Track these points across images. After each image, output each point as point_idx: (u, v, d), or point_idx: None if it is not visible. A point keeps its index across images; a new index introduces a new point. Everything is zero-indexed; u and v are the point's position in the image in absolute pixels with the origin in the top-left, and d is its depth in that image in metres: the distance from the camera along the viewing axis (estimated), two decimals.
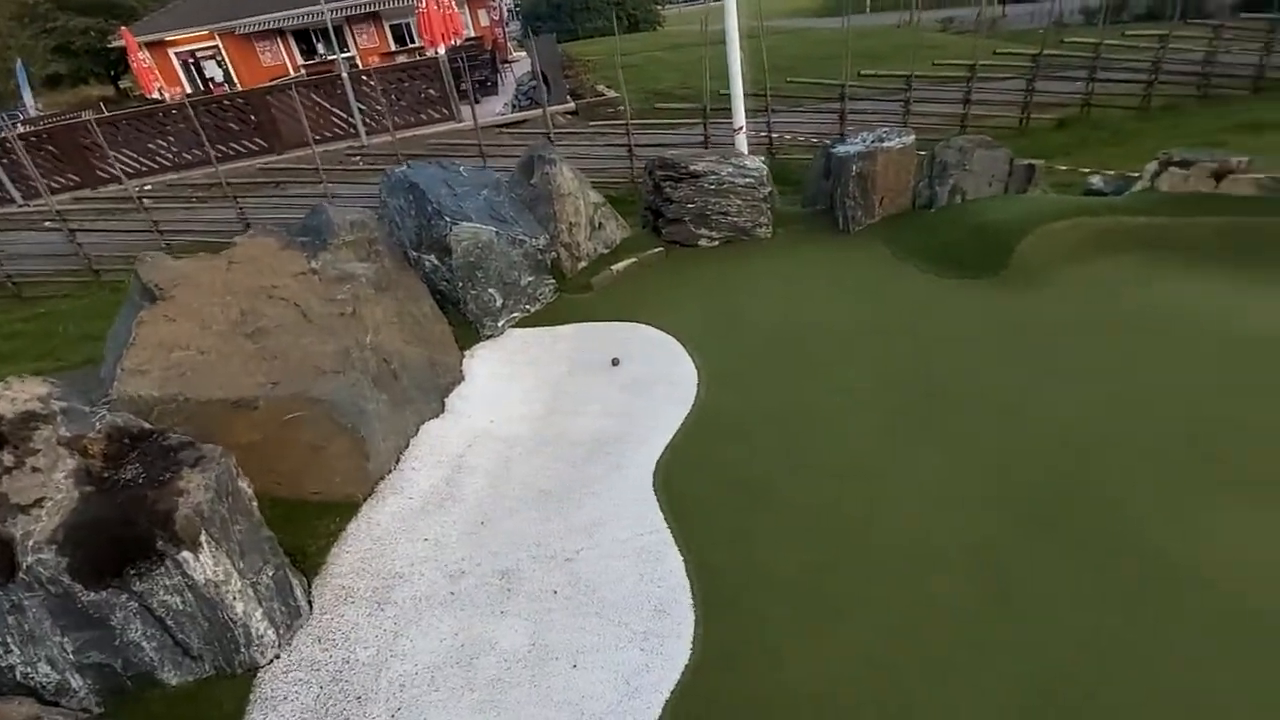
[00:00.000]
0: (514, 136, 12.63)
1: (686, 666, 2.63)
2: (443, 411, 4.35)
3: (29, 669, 2.58)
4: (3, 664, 2.55)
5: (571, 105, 17.14)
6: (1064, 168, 8.71)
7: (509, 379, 4.92)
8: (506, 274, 5.27)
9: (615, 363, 4.58)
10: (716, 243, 6.45)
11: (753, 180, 6.30)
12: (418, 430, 4.11)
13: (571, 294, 5.88)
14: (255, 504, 2.93)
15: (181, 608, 2.64)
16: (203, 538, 2.60)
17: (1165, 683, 2.28)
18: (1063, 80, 13.27)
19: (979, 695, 2.34)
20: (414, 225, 4.81)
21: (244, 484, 2.88)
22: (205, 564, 2.62)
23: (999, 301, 4.75)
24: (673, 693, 2.54)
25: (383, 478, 3.79)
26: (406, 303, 4.18)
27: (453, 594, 3.21)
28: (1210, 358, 3.88)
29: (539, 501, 3.72)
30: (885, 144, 6.08)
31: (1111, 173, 7.20)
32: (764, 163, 6.52)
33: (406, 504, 3.72)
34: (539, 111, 12.35)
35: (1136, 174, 6.37)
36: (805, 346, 4.62)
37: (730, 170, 6.30)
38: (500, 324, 5.33)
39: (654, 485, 3.61)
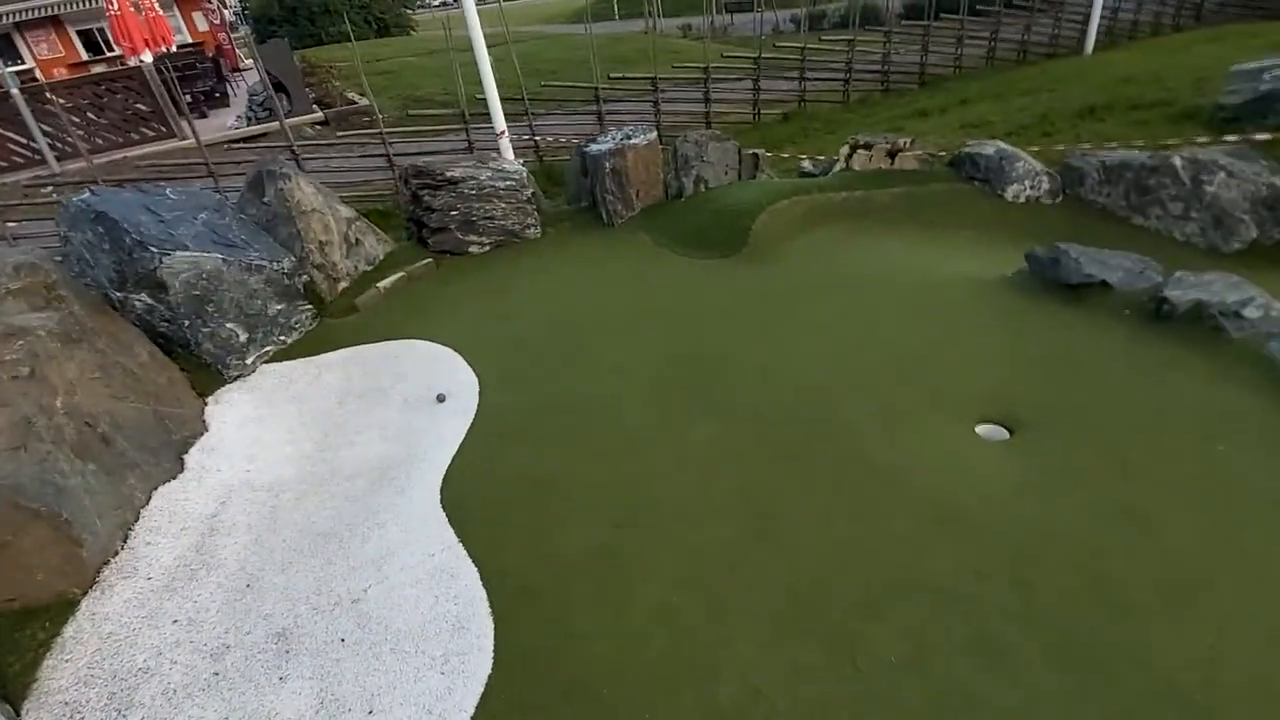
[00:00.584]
0: (253, 152, 11.28)
1: (489, 677, 2.57)
2: (181, 471, 3.75)
3: None
4: None
5: (320, 115, 15.75)
6: (787, 155, 9.95)
7: (268, 420, 4.40)
8: (247, 305, 4.69)
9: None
10: (487, 247, 6.36)
11: (514, 183, 6.30)
12: (149, 498, 3.50)
13: (334, 318, 5.42)
14: None
15: None
16: None
17: (887, 571, 2.72)
18: (783, 80, 15.16)
19: (750, 617, 2.61)
20: (110, 262, 4.06)
21: None
22: None
23: (743, 275, 5.30)
24: (477, 707, 2.47)
25: (107, 562, 3.16)
26: (112, 353, 3.52)
27: (217, 674, 2.79)
28: (905, 302, 4.68)
29: (316, 546, 3.38)
30: (632, 141, 6.44)
31: (821, 157, 8.38)
32: (522, 165, 6.55)
33: (144, 586, 3.15)
34: (278, 124, 11.15)
35: (836, 158, 7.48)
36: (580, 337, 4.75)
37: (489, 174, 6.24)
38: (249, 361, 4.74)
39: (441, 502, 3.46)
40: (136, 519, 3.40)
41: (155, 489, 3.55)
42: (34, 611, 2.88)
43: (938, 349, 4.16)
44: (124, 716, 2.64)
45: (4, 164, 12.30)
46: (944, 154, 6.95)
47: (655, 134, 6.56)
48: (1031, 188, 6.34)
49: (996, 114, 11.87)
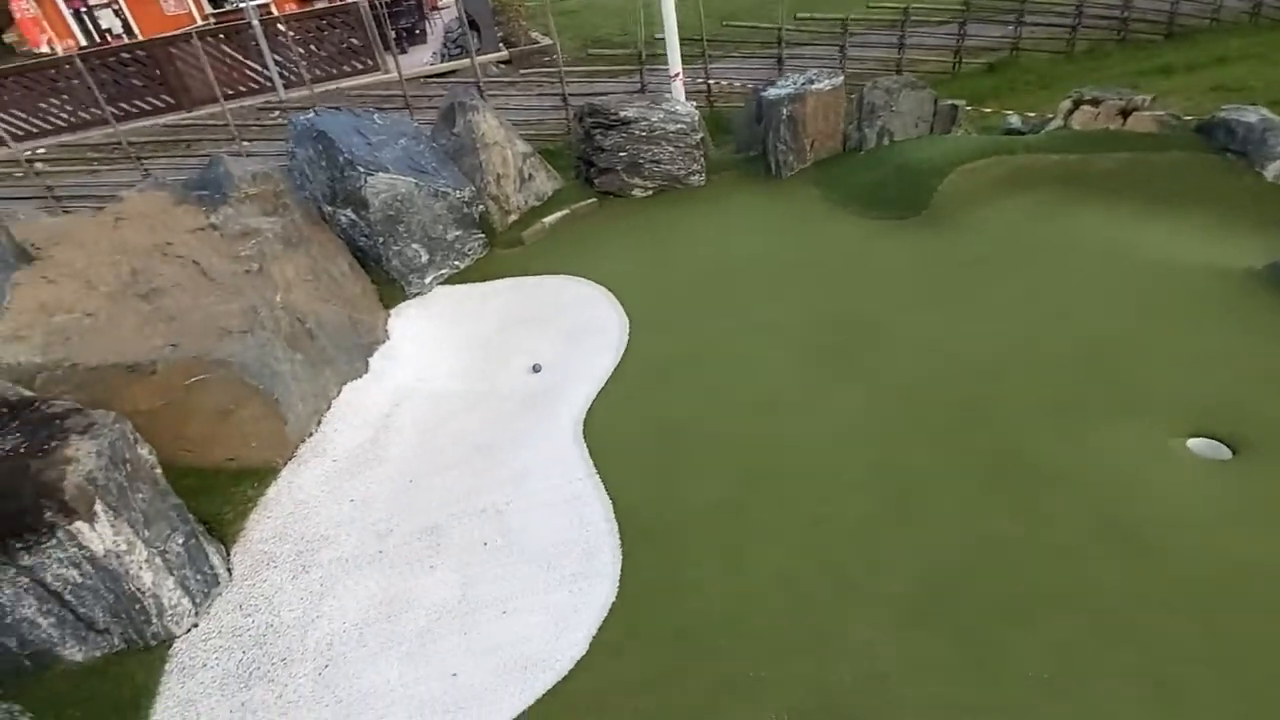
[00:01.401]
0: (443, 88, 12.08)
1: (613, 604, 2.69)
2: (366, 371, 4.22)
3: None
4: None
5: (504, 54, 16.45)
6: (989, 110, 8.87)
7: (438, 337, 4.80)
8: (431, 228, 5.09)
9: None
10: (650, 192, 6.36)
11: (684, 126, 6.20)
12: (340, 391, 3.99)
13: (502, 249, 5.73)
14: (159, 471, 2.80)
15: (80, 580, 2.53)
16: (98, 507, 2.48)
17: (1040, 580, 2.45)
18: (994, 24, 13.41)
19: (875, 599, 2.48)
20: (325, 178, 4.56)
21: (144, 450, 2.75)
22: (103, 534, 2.50)
23: (920, 240, 4.86)
24: (599, 628, 2.59)
25: (303, 440, 3.67)
26: (321, 260, 4.00)
27: (380, 552, 3.17)
28: (1114, 287, 4.07)
29: (469, 457, 3.68)
30: (814, 86, 6.05)
31: (1031, 114, 7.36)
32: (695, 108, 6.41)
33: (330, 466, 3.63)
34: (469, 61, 11.80)
35: (1052, 115, 6.53)
36: (733, 290, 4.65)
37: (661, 116, 6.17)
38: (428, 280, 5.17)
39: (582, 433, 3.61)
40: (329, 408, 3.89)
41: (345, 384, 4.03)
42: (247, 472, 3.42)
43: (1146, 344, 3.58)
44: (306, 573, 3.09)
45: (242, 89, 14.18)
46: (1190, 118, 5.83)
47: (840, 78, 6.10)
48: None
49: (1259, 78, 9.72)
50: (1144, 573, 2.40)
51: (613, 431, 3.56)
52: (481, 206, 5.65)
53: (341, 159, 4.46)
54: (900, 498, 2.86)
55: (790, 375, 3.71)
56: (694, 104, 6.83)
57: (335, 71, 15.04)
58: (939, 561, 2.57)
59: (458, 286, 5.30)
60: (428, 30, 20.31)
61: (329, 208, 4.66)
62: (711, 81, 11.92)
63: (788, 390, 3.60)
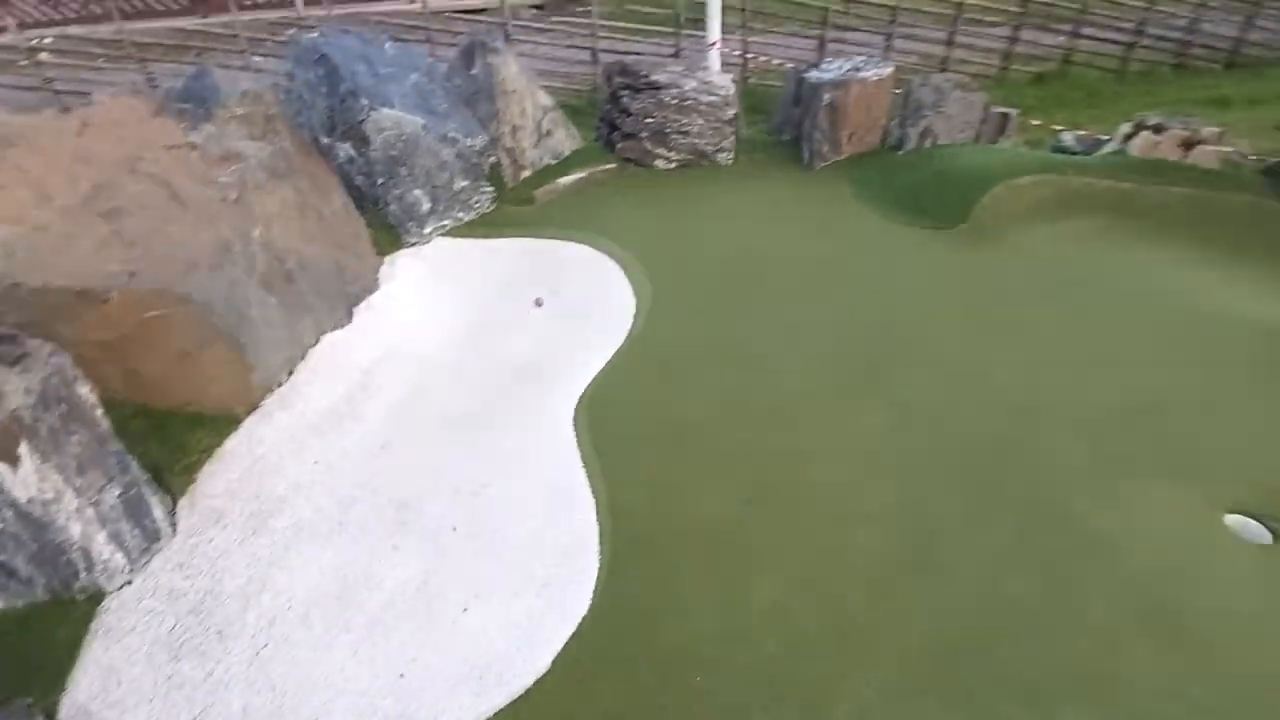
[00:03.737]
0: (469, 25, 11.51)
1: (585, 618, 2.44)
2: (349, 322, 3.91)
3: None
4: None
5: None
6: (1036, 123, 8.48)
7: (432, 292, 4.49)
8: (436, 175, 4.73)
9: (539, 303, 4.15)
10: (673, 165, 5.99)
11: (718, 99, 5.80)
12: (317, 340, 3.68)
13: (511, 205, 5.38)
14: (100, 412, 2.51)
15: (0, 528, 2.26)
16: (22, 449, 2.19)
17: (1065, 659, 2.21)
18: (1048, 31, 12.86)
19: (879, 654, 2.23)
20: (325, 106, 4.19)
21: (85, 389, 2.45)
22: (26, 480, 2.22)
23: (958, 255, 4.54)
24: (565, 646, 2.35)
25: (270, 391, 3.38)
26: (310, 195, 3.65)
27: (341, 524, 2.91)
28: (1162, 333, 3.79)
29: (449, 428, 3.41)
30: (861, 74, 5.66)
31: (1083, 132, 6.99)
32: (733, 81, 6.01)
33: (297, 422, 3.34)
34: (498, 1, 11.22)
35: (1108, 136, 6.17)
36: (752, 283, 4.34)
37: (695, 85, 5.78)
38: (427, 231, 4.83)
39: (575, 420, 3.33)
40: (303, 357, 3.59)
41: (323, 334, 3.73)
42: (204, 419, 3.13)
43: (1194, 402, 3.31)
44: (256, 536, 2.83)
45: (260, 1, 13.53)
46: (1256, 158, 5.49)
47: (890, 69, 5.71)
48: None
49: None
50: (1186, 668, 2.17)
51: (610, 422, 3.28)
52: (493, 158, 5.28)
53: (343, 88, 4.08)
54: (920, 540, 2.61)
55: (811, 385, 3.43)
56: (730, 77, 6.41)
57: None
58: (955, 620, 2.32)
59: (460, 240, 4.97)
60: None
61: (326, 139, 4.29)
62: (750, 55, 11.41)
63: (807, 402, 3.32)
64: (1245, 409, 3.24)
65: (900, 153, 5.85)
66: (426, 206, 4.73)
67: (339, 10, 10.91)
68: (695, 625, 2.36)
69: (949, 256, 4.53)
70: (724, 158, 6.01)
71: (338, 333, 3.82)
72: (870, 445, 3.07)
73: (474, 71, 5.27)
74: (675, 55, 10.85)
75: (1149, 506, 2.75)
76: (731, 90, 5.93)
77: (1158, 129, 5.30)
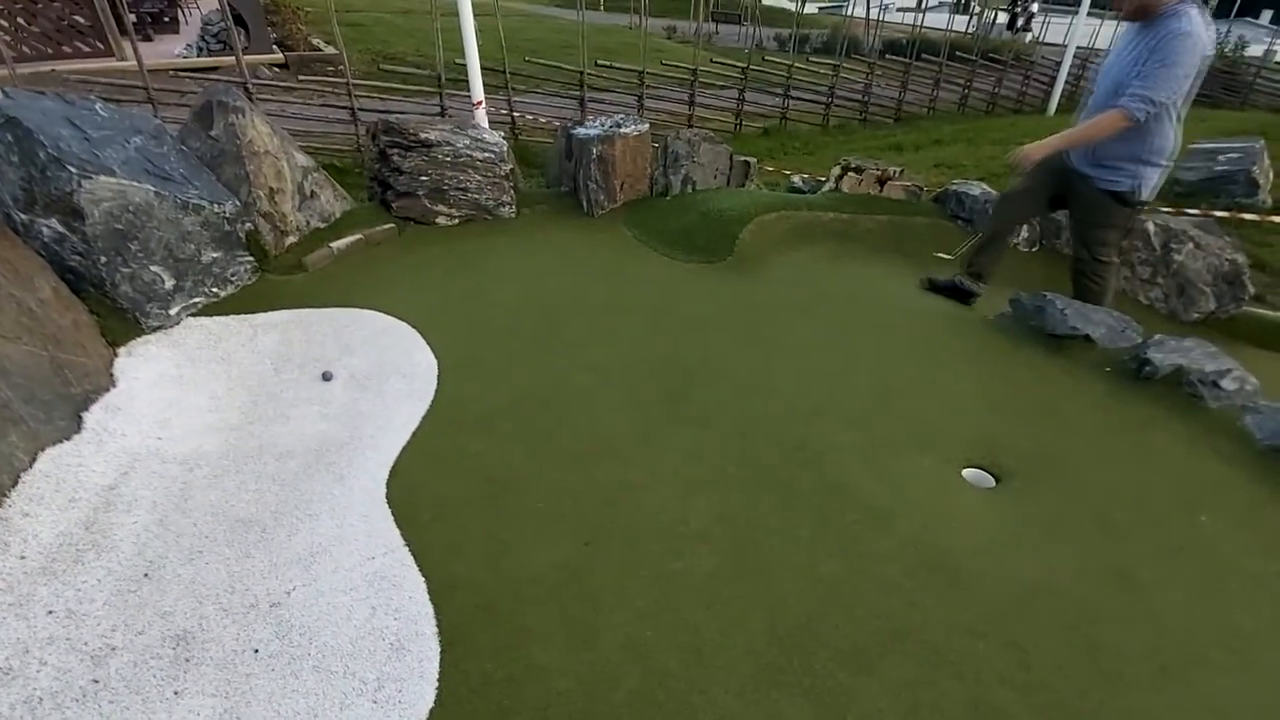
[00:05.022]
0: (201, 85, 10.34)
1: (432, 710, 2.23)
2: (78, 431, 3.21)
3: None
4: None
5: (279, 56, 14.73)
6: (770, 168, 9.86)
7: (189, 381, 3.87)
8: (178, 247, 4.14)
9: (327, 377, 3.87)
10: (456, 220, 5.92)
11: (493, 155, 5.89)
12: (32, 459, 2.96)
13: (278, 275, 4.89)
14: None
15: None
16: None
17: (877, 620, 2.52)
18: (766, 94, 15.14)
19: (730, 661, 2.35)
20: (18, 176, 3.44)
21: None
22: None
23: (728, 284, 5.08)
24: None
25: None
26: (6, 285, 2.96)
27: (96, 682, 2.33)
28: (889, 333, 4.56)
29: (234, 535, 2.93)
30: (623, 130, 6.14)
31: (807, 174, 8.30)
32: (504, 138, 6.15)
33: (15, 566, 2.64)
34: (233, 59, 10.25)
35: (824, 178, 7.39)
36: (552, 329, 4.41)
37: (467, 143, 5.81)
38: (174, 311, 4.18)
39: (387, 497, 3.07)
40: (14, 484, 2.86)
41: (42, 450, 3.01)
42: None
43: (922, 384, 4.04)
44: None
45: None
46: (928, 189, 6.95)
47: (646, 125, 6.28)
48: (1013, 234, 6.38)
49: (969, 158, 12.16)
50: (959, 603, 2.58)
51: (426, 493, 3.08)
52: (249, 224, 4.77)
53: (44, 155, 3.40)
54: (744, 546, 2.81)
55: (624, 421, 3.55)
56: (500, 133, 6.56)
57: (51, 51, 12.26)
58: (785, 611, 2.53)
59: (219, 318, 4.37)
60: (181, 19, 17.61)
61: (23, 215, 3.53)
62: (516, 114, 11.78)
63: (623, 437, 3.43)
64: (957, 386, 4.02)
65: (668, 198, 6.42)
66: (170, 284, 4.10)
67: (25, 69, 9.15)
68: (554, 682, 2.28)
69: (723, 286, 5.05)
70: (506, 211, 6.09)
71: (64, 445, 3.10)
72: (686, 468, 3.25)
73: (214, 133, 4.74)
74: (442, 114, 10.80)
75: (912, 476, 3.27)
76: (504, 146, 6.06)
77: (858, 170, 6.48)
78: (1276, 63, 24.47)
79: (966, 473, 3.41)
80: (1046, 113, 19.34)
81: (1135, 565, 2.86)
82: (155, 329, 4.12)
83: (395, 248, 5.53)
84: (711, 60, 14.90)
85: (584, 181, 6.19)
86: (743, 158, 6.83)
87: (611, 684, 2.27)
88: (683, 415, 3.63)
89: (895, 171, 6.71)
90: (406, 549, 2.81)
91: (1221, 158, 9.03)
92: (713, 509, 3.03)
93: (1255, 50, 26.40)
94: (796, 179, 7.66)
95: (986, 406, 3.88)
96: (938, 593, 2.66)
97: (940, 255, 5.43)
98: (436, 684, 2.30)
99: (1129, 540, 2.99)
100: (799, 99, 15.07)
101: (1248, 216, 8.05)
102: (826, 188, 6.89)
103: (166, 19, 16.72)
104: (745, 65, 13.98)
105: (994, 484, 3.37)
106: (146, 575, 2.74)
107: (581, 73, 12.26)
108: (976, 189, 6.36)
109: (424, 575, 2.68)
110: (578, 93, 12.41)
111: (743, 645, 2.43)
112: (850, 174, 6.70)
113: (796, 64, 14.78)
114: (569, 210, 6.31)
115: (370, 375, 3.99)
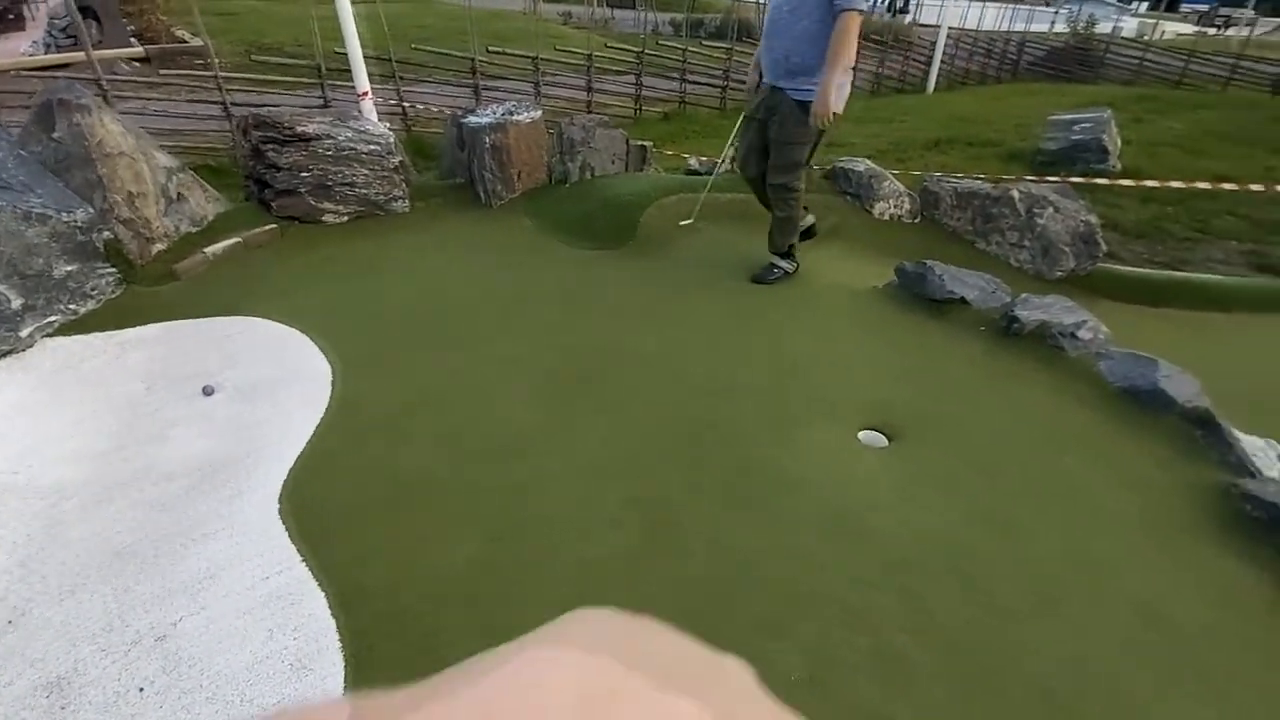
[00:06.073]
0: (47, 82, 9.31)
1: None
2: None
3: None
4: None
5: (139, 50, 13.49)
6: (670, 152, 9.95)
7: (47, 408, 3.53)
8: (23, 263, 3.74)
9: (208, 392, 3.62)
10: (345, 218, 5.65)
11: (378, 148, 5.64)
12: None
13: (146, 285, 4.52)
14: None
15: None
16: None
17: (788, 584, 2.63)
18: (664, 79, 15.24)
19: None
20: None
21: None
22: None
23: (632, 268, 5.11)
24: None
25: None
26: None
27: None
28: (788, 308, 4.74)
29: (110, 569, 2.71)
30: (515, 117, 6.03)
31: (705, 157, 8.43)
32: (390, 129, 5.89)
33: None
34: (84, 55, 9.28)
35: (720, 159, 7.53)
36: (456, 323, 4.30)
37: (350, 135, 5.53)
38: (25, 333, 3.79)
39: (282, 511, 2.92)
40: None
41: None
42: None
43: (821, 355, 4.22)
44: None
45: None
46: (818, 167, 7.22)
47: (539, 112, 6.18)
48: (895, 206, 6.75)
49: (857, 137, 12.73)
50: (860, 559, 2.73)
51: (326, 502, 2.95)
52: (107, 233, 4.37)
53: None
54: (658, 526, 2.85)
55: (534, 412, 3.52)
56: (388, 126, 6.29)
57: None
58: (700, 586, 2.59)
59: (81, 337, 4.00)
60: (27, 14, 15.86)
61: None
62: (407, 105, 11.31)
63: (534, 428, 3.40)
64: (851, 355, 4.23)
65: (567, 185, 6.36)
66: (17, 303, 3.70)
67: None
68: None
69: (626, 271, 5.08)
70: (399, 205, 5.86)
71: None
72: (598, 454, 3.27)
73: (57, 135, 4.29)
74: (325, 106, 10.23)
75: (814, 444, 3.42)
76: (390, 138, 5.81)
77: None
78: (1123, 38, 26.96)
79: (862, 435, 3.60)
80: (926, 91, 20.51)
81: (1012, 508, 3.12)
82: (5, 353, 3.73)
83: (279, 250, 5.21)
84: (607, 45, 14.86)
85: (479, 172, 6.04)
86: (639, 142, 6.86)
87: None
88: (593, 402, 3.64)
89: None
90: (306, 564, 2.68)
91: (1076, 128, 9.89)
92: (626, 493, 3.06)
93: (1104, 27, 29.05)
94: (694, 161, 7.77)
95: (878, 371, 4.10)
96: (841, 552, 2.80)
97: (683, 223, 5.73)
98: (344, 704, 2.21)
99: (1005, 485, 3.25)
100: (696, 83, 15.27)
101: (1100, 181, 8.86)
102: (722, 169, 7.03)
103: (11, 15, 14.97)
104: (641, 50, 14.01)
105: (887, 444, 3.58)
106: (10, 623, 2.49)
107: (473, 60, 11.91)
108: (861, 165, 6.67)
109: (327, 589, 2.57)
110: (471, 81, 12.06)
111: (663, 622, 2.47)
112: None
113: (691, 49, 14.96)
114: (466, 202, 6.15)
115: (259, 386, 3.77)
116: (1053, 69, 24.99)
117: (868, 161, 6.93)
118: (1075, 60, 25.39)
